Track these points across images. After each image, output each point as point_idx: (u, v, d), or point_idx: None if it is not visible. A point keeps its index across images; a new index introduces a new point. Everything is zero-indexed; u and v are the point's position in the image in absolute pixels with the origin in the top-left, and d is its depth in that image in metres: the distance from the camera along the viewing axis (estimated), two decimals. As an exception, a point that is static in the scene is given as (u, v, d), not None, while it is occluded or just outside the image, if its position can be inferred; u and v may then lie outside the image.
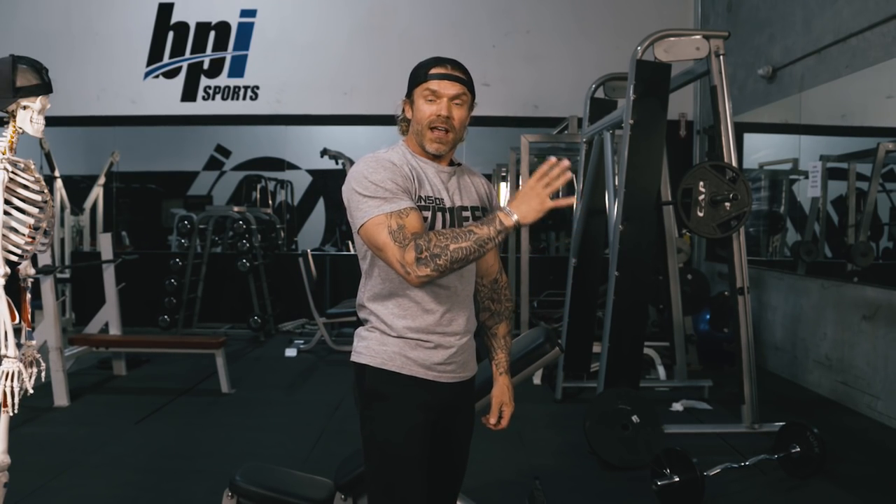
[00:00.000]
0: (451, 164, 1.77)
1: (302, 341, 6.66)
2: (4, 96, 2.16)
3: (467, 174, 1.80)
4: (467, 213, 1.72)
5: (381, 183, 1.58)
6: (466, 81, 1.69)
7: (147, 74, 7.97)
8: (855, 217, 5.00)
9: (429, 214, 1.64)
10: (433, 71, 1.67)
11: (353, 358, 1.75)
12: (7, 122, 2.23)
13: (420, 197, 1.64)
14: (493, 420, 1.87)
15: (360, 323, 1.77)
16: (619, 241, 3.93)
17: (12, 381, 2.19)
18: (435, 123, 1.65)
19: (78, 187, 8.02)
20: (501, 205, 1.73)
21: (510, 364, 1.94)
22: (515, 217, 1.50)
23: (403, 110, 1.74)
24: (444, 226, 1.67)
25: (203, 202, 9.05)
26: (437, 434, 1.75)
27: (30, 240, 2.25)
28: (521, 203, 1.51)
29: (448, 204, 1.69)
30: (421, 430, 1.69)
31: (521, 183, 6.00)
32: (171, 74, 7.97)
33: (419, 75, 1.69)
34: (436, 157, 1.71)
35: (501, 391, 1.89)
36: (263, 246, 7.40)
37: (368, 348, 1.72)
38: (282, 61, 7.91)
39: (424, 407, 1.70)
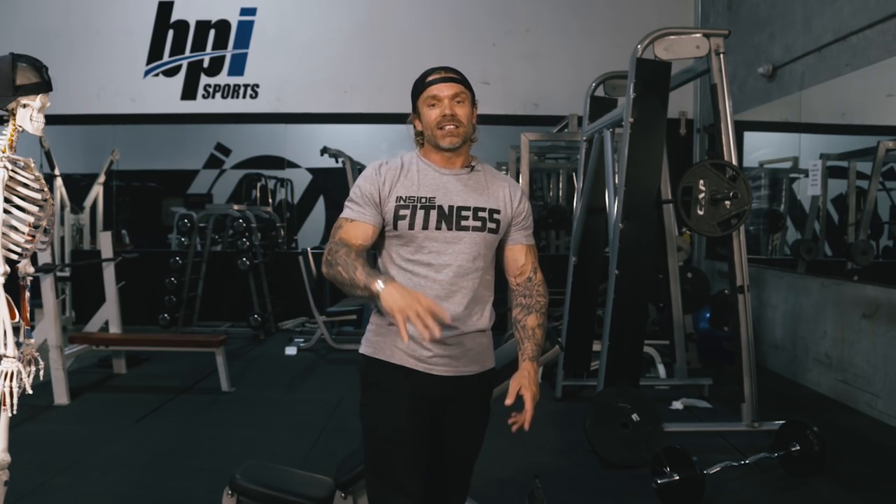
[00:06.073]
0: (468, 167, 1.85)
1: (302, 340, 6.66)
2: (4, 94, 2.16)
3: (488, 178, 1.88)
4: (468, 213, 1.80)
5: (355, 190, 1.82)
6: (461, 80, 1.82)
7: (147, 73, 7.97)
8: (855, 215, 5.00)
9: (407, 213, 1.77)
10: (429, 79, 1.82)
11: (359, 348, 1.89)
12: (7, 121, 2.23)
13: (399, 197, 1.78)
14: (508, 401, 1.79)
15: None
16: (619, 240, 3.94)
17: (11, 380, 2.19)
18: (442, 123, 1.78)
19: (78, 186, 8.01)
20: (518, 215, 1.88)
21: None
22: (379, 288, 1.58)
23: (414, 126, 1.87)
24: (425, 220, 1.77)
25: (203, 200, 9.04)
26: (436, 428, 1.81)
27: (30, 238, 2.25)
28: (396, 291, 1.56)
29: (440, 202, 1.79)
30: (411, 417, 1.76)
31: (519, 182, 5.99)
32: (171, 73, 7.97)
33: (418, 87, 1.83)
34: (450, 156, 1.81)
35: (521, 374, 1.84)
36: (263, 244, 7.40)
37: (367, 339, 1.86)
38: (282, 60, 7.91)
39: (416, 395, 1.77)
